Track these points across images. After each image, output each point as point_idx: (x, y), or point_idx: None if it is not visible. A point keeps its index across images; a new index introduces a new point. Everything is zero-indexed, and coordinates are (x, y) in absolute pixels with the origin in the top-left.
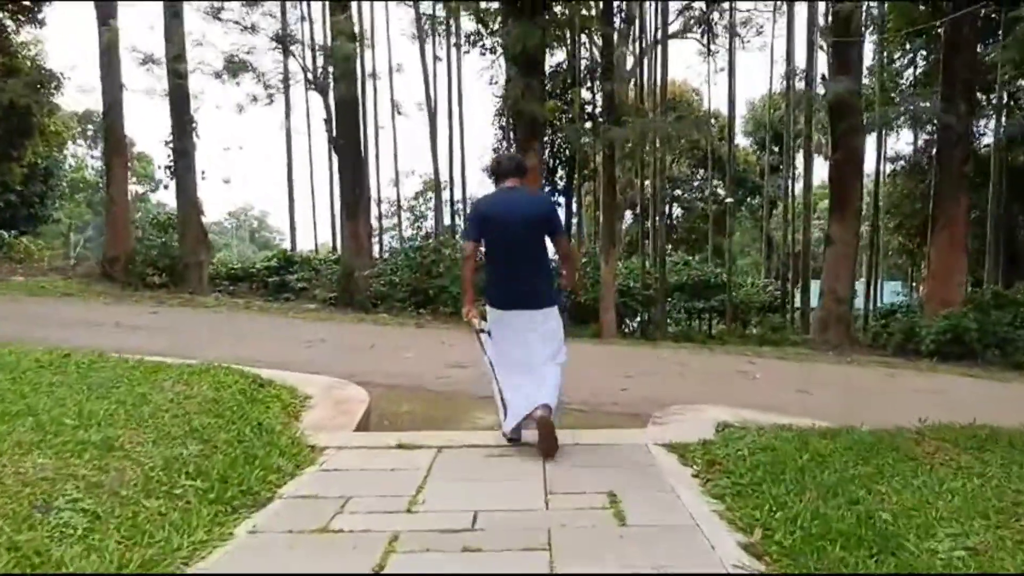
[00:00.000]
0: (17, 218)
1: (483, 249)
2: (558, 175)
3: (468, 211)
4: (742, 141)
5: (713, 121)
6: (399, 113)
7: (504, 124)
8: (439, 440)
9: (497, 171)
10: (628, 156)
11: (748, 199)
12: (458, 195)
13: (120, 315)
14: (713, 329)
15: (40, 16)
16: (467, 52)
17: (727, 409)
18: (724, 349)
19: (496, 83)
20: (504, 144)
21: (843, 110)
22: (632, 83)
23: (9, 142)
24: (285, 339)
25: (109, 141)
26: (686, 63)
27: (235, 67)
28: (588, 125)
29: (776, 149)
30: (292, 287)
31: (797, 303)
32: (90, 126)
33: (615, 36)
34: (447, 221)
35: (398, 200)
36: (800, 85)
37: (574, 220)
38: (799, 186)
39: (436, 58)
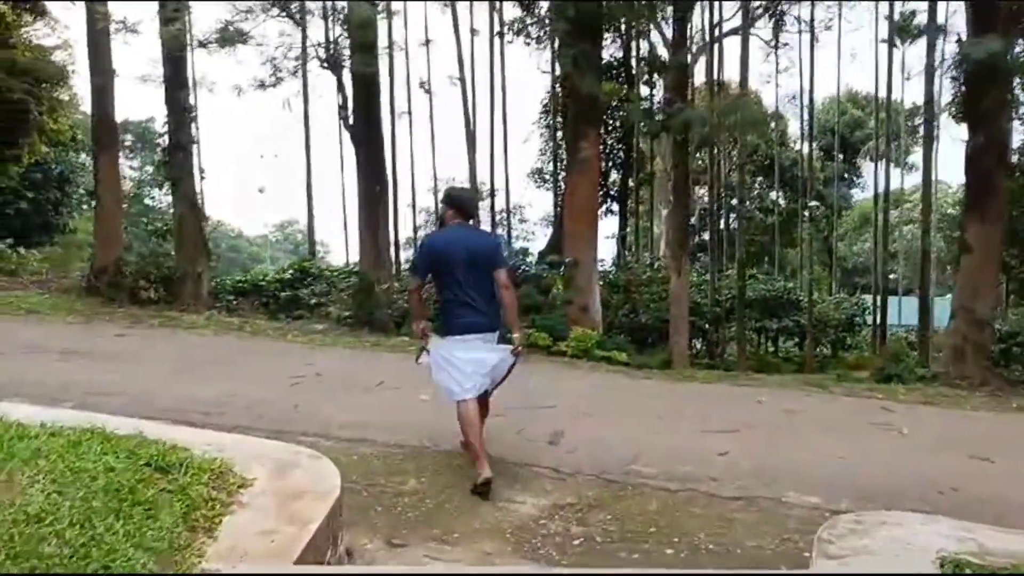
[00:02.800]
0: (30, 227)
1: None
2: (611, 179)
3: (418, 247)
4: (804, 147)
5: (772, 125)
6: (426, 91)
7: (551, 121)
8: None
9: (454, 205)
10: (703, 145)
11: (810, 209)
12: (500, 203)
13: (78, 339)
14: (781, 350)
15: (41, 6)
16: (511, 42)
17: (931, 519)
18: (842, 387)
19: (542, 47)
20: (552, 139)
21: (987, 80)
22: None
23: (3, 140)
24: (270, 371)
25: (97, 133)
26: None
27: (230, 38)
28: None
29: (841, 156)
30: (306, 303)
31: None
32: (128, 136)
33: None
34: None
35: (436, 208)
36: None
37: (629, 229)
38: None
39: (473, 31)
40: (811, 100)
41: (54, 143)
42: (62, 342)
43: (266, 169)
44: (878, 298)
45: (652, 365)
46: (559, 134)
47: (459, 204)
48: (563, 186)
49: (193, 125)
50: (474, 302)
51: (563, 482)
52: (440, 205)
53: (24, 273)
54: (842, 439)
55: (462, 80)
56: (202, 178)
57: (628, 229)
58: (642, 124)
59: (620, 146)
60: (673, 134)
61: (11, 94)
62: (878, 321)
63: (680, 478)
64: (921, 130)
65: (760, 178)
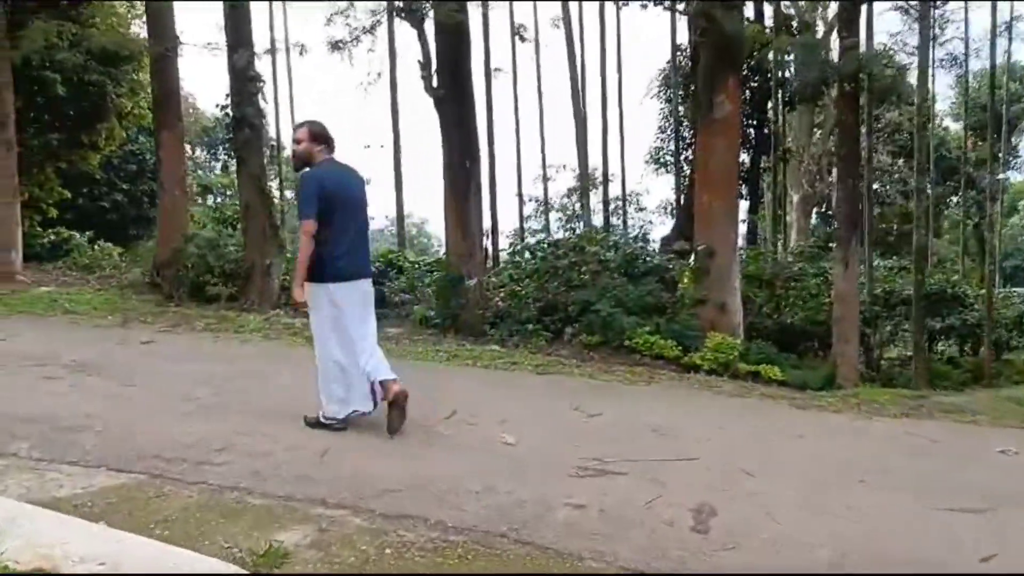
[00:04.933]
0: (126, 220)
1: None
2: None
3: (307, 184)
4: (952, 126)
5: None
6: (522, 39)
7: (670, 93)
8: None
9: (326, 139)
10: (888, 93)
11: (959, 194)
12: (615, 190)
13: (99, 346)
14: (937, 352)
15: None
16: (625, 4)
17: None
18: None
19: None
20: (674, 111)
21: None
22: None
23: (80, 125)
24: (309, 396)
25: (158, 109)
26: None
27: None
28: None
29: (995, 136)
30: (391, 300)
31: None
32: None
33: None
34: (599, 221)
35: (545, 197)
36: None
37: (763, 222)
38: None
39: None
40: (992, 58)
41: (142, 130)
42: (77, 351)
43: (375, 158)
44: None
45: (814, 384)
46: (680, 109)
47: (327, 138)
48: (686, 168)
49: (262, 97)
50: (361, 245)
51: None
52: (300, 142)
53: (102, 268)
54: None
55: (567, 25)
56: (272, 158)
57: (764, 222)
58: (808, 73)
59: (750, 121)
60: (843, 81)
61: (87, 75)
62: None
63: None
64: None
65: (902, 160)
